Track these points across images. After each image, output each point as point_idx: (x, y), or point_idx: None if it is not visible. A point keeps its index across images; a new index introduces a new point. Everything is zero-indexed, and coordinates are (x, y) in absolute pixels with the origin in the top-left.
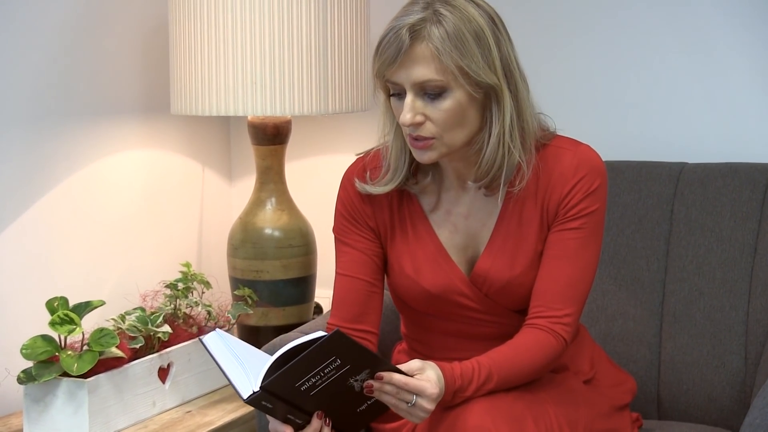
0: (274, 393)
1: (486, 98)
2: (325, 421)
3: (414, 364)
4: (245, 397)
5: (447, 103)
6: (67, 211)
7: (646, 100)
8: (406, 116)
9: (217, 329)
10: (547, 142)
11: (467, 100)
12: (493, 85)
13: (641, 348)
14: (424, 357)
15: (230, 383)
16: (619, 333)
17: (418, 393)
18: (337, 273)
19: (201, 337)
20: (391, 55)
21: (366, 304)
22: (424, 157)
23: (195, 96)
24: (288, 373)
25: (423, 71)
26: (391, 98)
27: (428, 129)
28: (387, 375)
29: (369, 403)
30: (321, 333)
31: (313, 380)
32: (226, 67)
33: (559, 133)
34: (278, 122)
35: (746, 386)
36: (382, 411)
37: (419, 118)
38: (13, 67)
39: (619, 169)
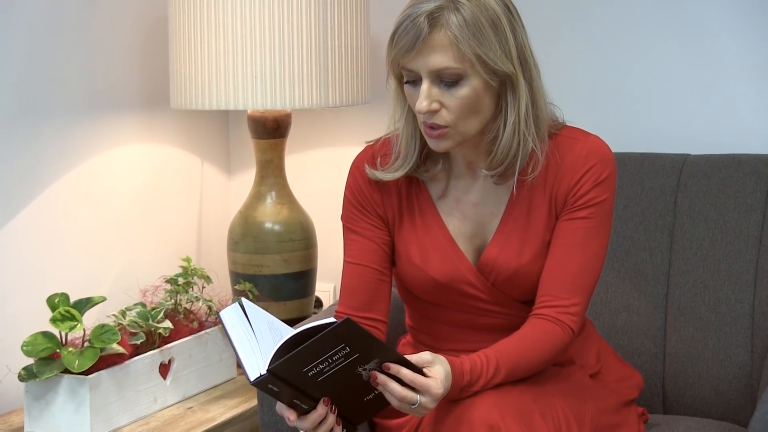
0: (280, 377)
1: (501, 86)
2: (331, 408)
3: (425, 356)
4: (252, 378)
5: (463, 91)
6: (67, 207)
7: (649, 91)
8: (422, 104)
9: (243, 299)
10: (557, 132)
11: (483, 88)
12: (509, 73)
13: (646, 341)
14: (430, 348)
15: (239, 362)
16: (623, 326)
17: (423, 391)
18: (345, 261)
19: (220, 311)
20: (408, 42)
21: (375, 292)
22: (439, 146)
23: (195, 90)
24: (296, 358)
25: (441, 59)
26: (405, 85)
27: (443, 117)
28: (395, 367)
29: (376, 392)
30: (332, 319)
31: (321, 366)
32: (225, 61)
33: (567, 124)
34: (278, 116)
35: (753, 380)
36: (388, 402)
37: (435, 106)
38: (11, 61)
39: (622, 161)
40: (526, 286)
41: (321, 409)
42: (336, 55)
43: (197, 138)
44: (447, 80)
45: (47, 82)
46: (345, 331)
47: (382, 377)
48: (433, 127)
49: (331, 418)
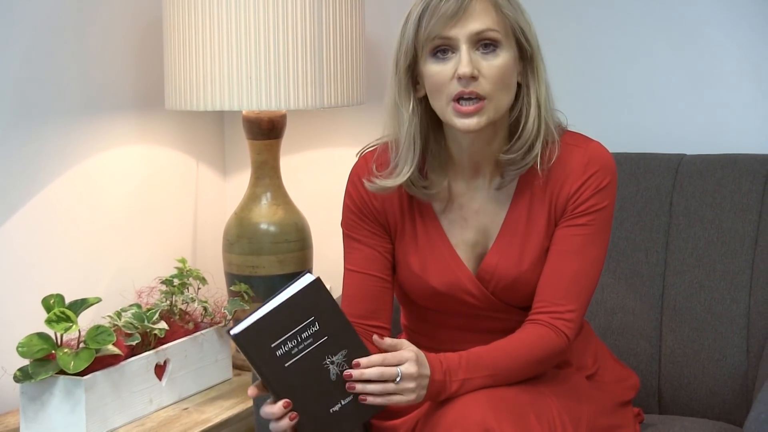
0: (247, 347)
1: (523, 67)
2: (290, 414)
3: (387, 341)
4: (232, 333)
5: (500, 60)
6: (62, 208)
7: (644, 91)
8: (466, 68)
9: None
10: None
11: (514, 62)
12: (534, 49)
13: (641, 342)
14: (429, 350)
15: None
16: (618, 327)
17: (399, 362)
18: (346, 268)
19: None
20: (450, 8)
21: (377, 300)
22: (471, 121)
23: (190, 91)
24: (263, 324)
25: (484, 19)
26: (433, 63)
27: (482, 85)
28: (364, 360)
29: (343, 403)
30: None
31: (290, 344)
32: (220, 62)
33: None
34: (273, 117)
35: (748, 380)
36: (356, 421)
37: (476, 72)
38: (7, 63)
39: (617, 161)
40: (525, 293)
41: (278, 408)
42: (331, 56)
43: (192, 139)
44: (484, 48)
45: (42, 84)
46: (313, 293)
47: (356, 371)
48: (469, 97)
49: (285, 422)
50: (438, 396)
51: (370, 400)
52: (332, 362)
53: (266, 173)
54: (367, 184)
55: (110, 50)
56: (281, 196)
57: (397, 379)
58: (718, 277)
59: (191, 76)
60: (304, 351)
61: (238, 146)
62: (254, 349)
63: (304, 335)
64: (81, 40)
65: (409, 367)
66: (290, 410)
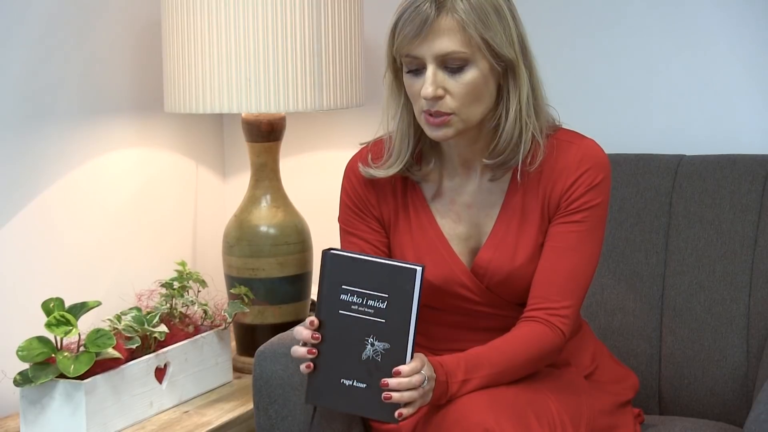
0: (327, 268)
1: (503, 74)
2: (311, 347)
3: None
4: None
5: (468, 77)
6: (62, 211)
7: (644, 92)
8: (428, 89)
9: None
10: (552, 134)
11: (487, 74)
12: (512, 59)
13: (641, 342)
14: (427, 349)
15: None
16: (618, 327)
17: (422, 365)
18: None
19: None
20: (415, 27)
21: None
22: (439, 133)
23: (189, 94)
24: (352, 263)
25: (448, 43)
26: (406, 76)
27: (447, 104)
28: (407, 368)
29: (355, 384)
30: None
31: (354, 298)
32: (219, 64)
33: (563, 126)
34: (272, 119)
35: (748, 380)
36: (355, 407)
37: (440, 92)
38: (4, 65)
39: (617, 162)
40: (519, 288)
41: (306, 334)
42: (330, 58)
43: (192, 141)
44: (452, 66)
45: (42, 87)
46: (409, 277)
47: (393, 381)
48: (435, 114)
49: (303, 350)
50: (440, 399)
51: (406, 413)
52: (371, 344)
53: (266, 175)
54: (361, 167)
55: (109, 53)
56: (281, 199)
57: (424, 383)
58: (717, 278)
59: (190, 78)
60: (359, 314)
61: (238, 148)
62: (330, 274)
63: (369, 302)
64: (80, 43)
65: (428, 370)
66: (314, 345)
